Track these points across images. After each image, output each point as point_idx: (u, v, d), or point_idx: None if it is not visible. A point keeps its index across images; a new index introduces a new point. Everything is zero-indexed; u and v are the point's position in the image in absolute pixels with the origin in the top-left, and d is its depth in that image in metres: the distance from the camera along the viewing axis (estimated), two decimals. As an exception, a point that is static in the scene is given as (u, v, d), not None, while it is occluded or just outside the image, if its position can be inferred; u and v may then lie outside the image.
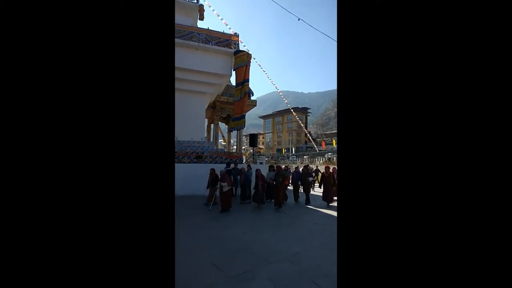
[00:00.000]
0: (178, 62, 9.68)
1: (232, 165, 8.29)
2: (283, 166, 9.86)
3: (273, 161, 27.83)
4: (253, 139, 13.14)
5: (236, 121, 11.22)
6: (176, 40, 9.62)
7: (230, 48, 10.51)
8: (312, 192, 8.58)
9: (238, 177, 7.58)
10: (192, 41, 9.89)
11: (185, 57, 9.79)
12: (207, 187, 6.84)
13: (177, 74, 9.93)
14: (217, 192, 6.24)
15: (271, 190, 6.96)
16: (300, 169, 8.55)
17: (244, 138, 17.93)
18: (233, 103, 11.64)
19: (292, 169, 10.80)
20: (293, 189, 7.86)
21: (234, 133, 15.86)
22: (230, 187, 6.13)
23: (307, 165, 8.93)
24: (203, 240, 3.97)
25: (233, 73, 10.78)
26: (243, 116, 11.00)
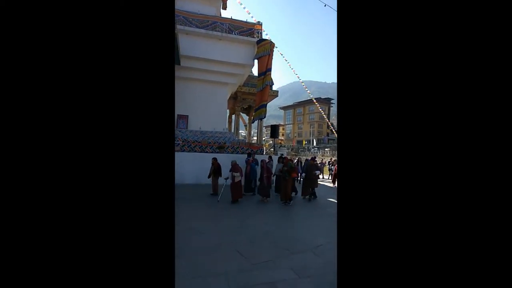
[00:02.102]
0: (201, 53, 9.78)
1: (251, 156, 8.34)
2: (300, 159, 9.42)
3: (293, 153, 27.58)
4: (274, 130, 13.07)
5: (257, 111, 11.18)
6: (199, 30, 9.69)
7: (253, 37, 10.37)
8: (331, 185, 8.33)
9: (257, 167, 7.56)
10: (216, 31, 9.89)
11: (208, 47, 9.84)
12: (208, 177, 6.76)
13: (200, 65, 10.06)
14: (227, 182, 6.11)
15: (280, 183, 6.48)
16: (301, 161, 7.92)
17: (264, 129, 17.88)
18: (255, 94, 11.58)
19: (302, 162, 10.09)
20: (302, 182, 7.27)
21: (254, 124, 15.87)
22: (241, 177, 6.05)
23: (314, 157, 8.43)
24: (223, 228, 4.09)
25: (255, 63, 10.67)
26: (264, 106, 10.92)
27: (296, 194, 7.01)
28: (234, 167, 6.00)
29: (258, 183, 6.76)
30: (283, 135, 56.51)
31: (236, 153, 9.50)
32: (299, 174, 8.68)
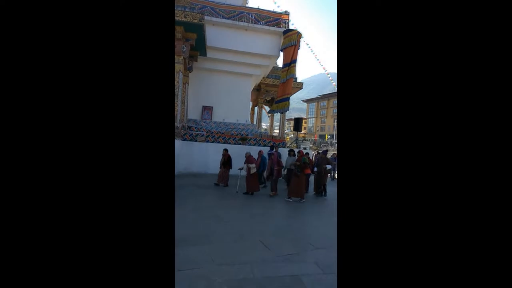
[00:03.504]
0: (226, 44, 9.79)
1: (274, 149, 8.28)
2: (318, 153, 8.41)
3: (315, 147, 27.02)
4: (297, 124, 12.85)
5: (279, 103, 11.02)
6: (226, 21, 9.67)
7: (280, 27, 10.12)
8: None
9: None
10: (242, 21, 9.80)
11: (233, 38, 9.81)
12: (220, 168, 6.72)
13: (225, 56, 10.09)
14: (241, 172, 6.03)
15: (290, 178, 5.99)
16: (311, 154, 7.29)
17: (286, 122, 17.65)
18: (278, 86, 11.41)
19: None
20: (314, 178, 6.67)
21: (276, 116, 15.71)
22: (256, 169, 5.92)
23: (326, 151, 7.92)
24: (246, 218, 4.15)
25: (281, 54, 10.45)
26: (287, 99, 10.74)
27: (307, 191, 6.39)
28: (249, 159, 5.93)
29: (265, 175, 6.50)
30: (305, 128, 55.51)
31: (258, 145, 9.52)
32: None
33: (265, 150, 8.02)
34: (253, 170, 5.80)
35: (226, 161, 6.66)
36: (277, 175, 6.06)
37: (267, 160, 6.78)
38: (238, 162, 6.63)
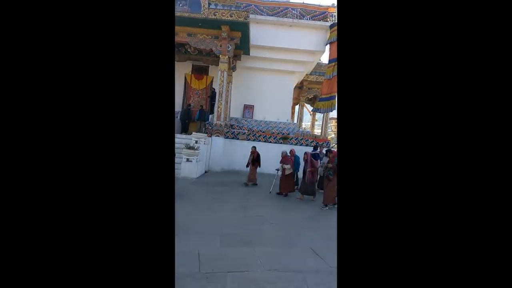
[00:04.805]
0: (270, 41, 9.66)
1: (318, 149, 7.85)
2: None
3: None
4: (341, 123, 12.05)
5: (323, 101, 10.45)
6: (270, 18, 9.55)
7: (326, 21, 9.59)
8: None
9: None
10: (287, 17, 9.56)
11: (277, 35, 9.63)
12: (247, 166, 6.48)
13: (268, 54, 9.97)
14: (278, 173, 5.73)
15: (323, 182, 5.31)
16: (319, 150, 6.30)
17: (330, 122, 16.79)
18: (322, 83, 10.85)
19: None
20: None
21: (318, 114, 15.05)
22: (292, 170, 5.55)
23: None
24: (291, 220, 3.95)
25: (327, 48, 9.90)
26: (334, 97, 10.11)
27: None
28: (284, 159, 5.62)
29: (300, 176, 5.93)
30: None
31: (300, 145, 9.18)
32: None
33: (300, 150, 7.65)
34: (288, 171, 5.50)
35: (255, 159, 6.46)
36: (310, 178, 5.35)
37: (300, 160, 6.24)
38: (277, 162, 6.24)
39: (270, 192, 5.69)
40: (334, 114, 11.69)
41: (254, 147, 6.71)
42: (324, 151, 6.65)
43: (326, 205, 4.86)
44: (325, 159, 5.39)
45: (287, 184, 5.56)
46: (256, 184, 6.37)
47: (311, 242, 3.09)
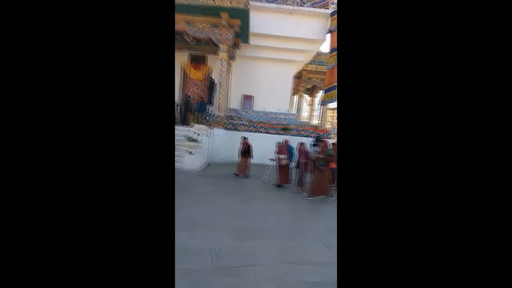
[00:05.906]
0: (269, 29, 9.40)
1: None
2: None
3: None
4: (341, 113, 12.00)
5: (329, 92, 10.32)
6: (269, 5, 9.25)
7: (327, 8, 9.34)
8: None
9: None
10: (287, 4, 9.28)
11: (277, 23, 9.37)
12: (239, 157, 6.40)
13: (267, 42, 9.73)
14: (274, 163, 5.70)
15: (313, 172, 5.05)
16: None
17: (329, 112, 16.69)
18: (322, 72, 10.69)
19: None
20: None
21: (316, 105, 14.95)
22: (288, 160, 5.48)
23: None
24: (300, 211, 3.97)
25: (327, 37, 9.69)
26: (334, 87, 10.00)
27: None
28: (281, 149, 5.56)
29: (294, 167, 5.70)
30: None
31: (300, 136, 9.15)
32: None
33: (297, 142, 7.62)
34: (284, 162, 5.46)
35: (246, 150, 6.35)
36: (305, 169, 5.19)
37: (294, 150, 5.96)
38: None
39: (263, 181, 5.67)
40: (331, 104, 11.60)
41: (244, 138, 6.54)
42: (312, 141, 6.25)
43: (312, 196, 4.60)
44: (316, 149, 5.10)
45: (285, 175, 5.53)
46: (248, 176, 6.23)
47: (319, 233, 3.11)
